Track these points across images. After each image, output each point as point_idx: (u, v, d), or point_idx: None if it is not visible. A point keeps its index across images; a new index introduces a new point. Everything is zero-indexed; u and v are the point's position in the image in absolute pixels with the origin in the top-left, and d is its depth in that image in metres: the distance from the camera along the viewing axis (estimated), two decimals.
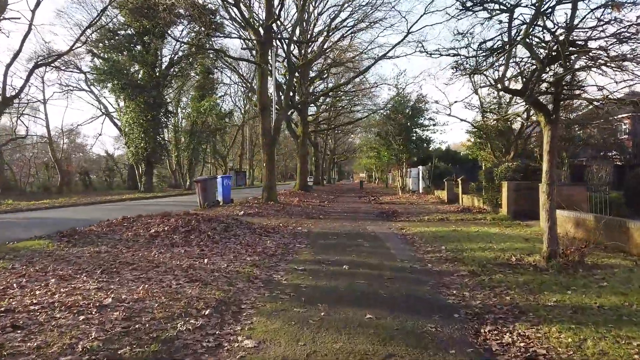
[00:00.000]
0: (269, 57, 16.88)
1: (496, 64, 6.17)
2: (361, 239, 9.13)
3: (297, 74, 28.64)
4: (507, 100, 19.23)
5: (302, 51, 27.86)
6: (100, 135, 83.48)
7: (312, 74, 30.54)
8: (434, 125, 26.97)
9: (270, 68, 17.41)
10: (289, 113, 37.04)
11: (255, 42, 17.30)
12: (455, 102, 19.16)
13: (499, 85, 6.02)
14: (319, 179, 49.42)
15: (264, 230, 9.52)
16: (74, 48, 22.41)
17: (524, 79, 6.16)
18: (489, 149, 20.71)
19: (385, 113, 28.08)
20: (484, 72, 6.39)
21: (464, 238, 8.86)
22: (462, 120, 52.95)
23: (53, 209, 16.85)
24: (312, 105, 38.49)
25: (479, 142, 21.89)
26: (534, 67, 5.95)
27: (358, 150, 58.23)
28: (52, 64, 22.12)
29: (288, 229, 10.55)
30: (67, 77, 36.75)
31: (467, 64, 6.45)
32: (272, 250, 7.53)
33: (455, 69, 6.49)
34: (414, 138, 27.18)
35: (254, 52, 21.50)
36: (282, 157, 74.44)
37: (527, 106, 10.74)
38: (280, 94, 20.17)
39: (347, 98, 33.47)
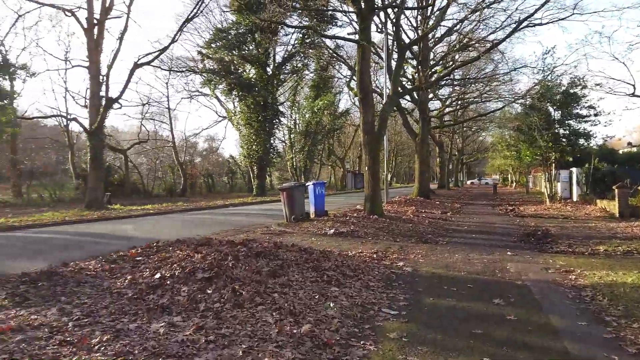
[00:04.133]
0: (371, 33, 13.50)
1: None
2: (500, 297, 5.30)
3: (412, 57, 24.75)
4: None
5: (418, 22, 23.86)
6: (224, 138, 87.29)
7: (432, 63, 26.30)
8: (596, 115, 20.95)
9: (374, 48, 13.97)
10: (410, 110, 33.14)
11: (355, 14, 14.02)
12: None
13: None
14: (444, 182, 44.39)
15: (339, 271, 6.18)
16: (169, 45, 21.36)
17: None
18: None
19: (527, 103, 22.72)
20: None
21: None
22: None
23: (141, 217, 15.52)
24: (435, 99, 34.03)
25: None
26: None
27: (490, 149, 51.53)
28: (152, 64, 21.09)
29: (382, 265, 7.07)
30: (187, 82, 37.41)
31: None
32: (332, 326, 4.19)
33: None
34: (567, 132, 21.43)
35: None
36: (405, 158, 70.18)
37: None
38: (388, 80, 16.60)
39: (478, 86, 28.41)
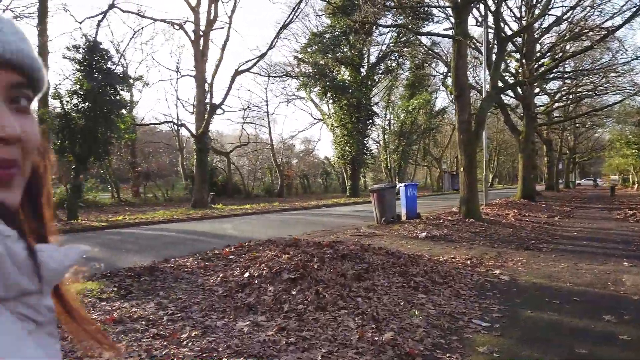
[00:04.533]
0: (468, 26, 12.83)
1: None
2: (611, 314, 4.70)
3: (515, 50, 23.16)
4: None
5: (521, 12, 22.22)
6: (319, 140, 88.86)
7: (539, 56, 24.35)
8: None
9: (472, 42, 13.27)
10: (513, 106, 31.06)
11: (451, 8, 13.44)
12: None
13: None
14: (552, 183, 40.97)
15: (428, 277, 5.93)
16: (267, 52, 22.20)
17: None
18: None
19: None
20: None
21: None
22: None
23: (240, 217, 16.35)
24: (542, 94, 31.53)
25: None
26: None
27: (607, 147, 46.55)
28: (251, 70, 22.10)
29: (476, 273, 6.66)
30: (284, 86, 38.81)
31: None
32: (417, 335, 4.01)
33: None
34: None
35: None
36: (509, 158, 65.96)
37: None
38: (488, 76, 15.65)
39: (592, 78, 25.77)
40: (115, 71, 14.73)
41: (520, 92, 23.56)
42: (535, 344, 3.96)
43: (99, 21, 15.72)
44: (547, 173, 39.59)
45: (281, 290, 4.90)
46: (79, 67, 14.03)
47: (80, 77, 13.84)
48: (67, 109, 13.97)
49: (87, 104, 13.76)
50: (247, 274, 5.36)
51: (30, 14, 18.03)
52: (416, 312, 4.59)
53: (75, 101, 13.97)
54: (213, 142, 32.65)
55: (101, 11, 17.49)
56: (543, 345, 3.93)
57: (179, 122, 27.62)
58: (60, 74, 32.09)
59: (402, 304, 4.83)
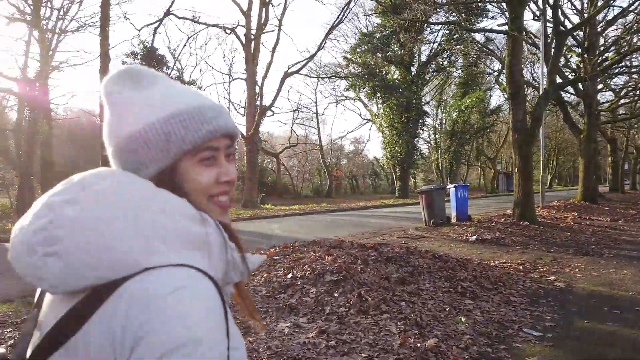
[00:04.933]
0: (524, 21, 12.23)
1: None
2: None
3: (576, 45, 21.97)
4: None
5: (583, 4, 20.99)
6: (368, 140, 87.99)
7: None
8: None
9: (529, 37, 12.72)
10: (574, 103, 29.44)
11: (504, 3, 12.92)
12: None
13: None
14: (617, 184, 38.51)
15: (476, 282, 5.71)
16: (316, 53, 22.29)
17: None
18: None
19: None
20: None
21: None
22: None
23: (287, 217, 16.54)
24: (606, 90, 29.70)
25: None
26: None
27: None
28: (300, 72, 22.28)
29: (528, 279, 6.35)
30: (333, 87, 38.74)
31: None
32: (462, 342, 3.86)
33: None
34: None
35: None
36: (569, 158, 62.66)
37: None
38: (544, 71, 14.90)
39: None
40: (170, 76, 15.31)
41: (582, 89, 22.30)
42: (591, 357, 3.72)
43: (155, 28, 16.39)
44: (611, 174, 37.22)
45: (323, 292, 4.89)
46: None
47: None
48: None
49: None
50: (290, 275, 5.39)
51: (94, 23, 19.14)
52: (462, 319, 4.43)
53: None
54: (263, 143, 33.23)
55: (158, 18, 18.24)
56: (599, 358, 3.68)
57: None
58: None
59: (447, 309, 4.68)
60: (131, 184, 0.72)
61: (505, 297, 5.36)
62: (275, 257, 6.38)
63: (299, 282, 5.16)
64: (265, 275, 5.53)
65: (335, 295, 4.82)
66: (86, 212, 0.66)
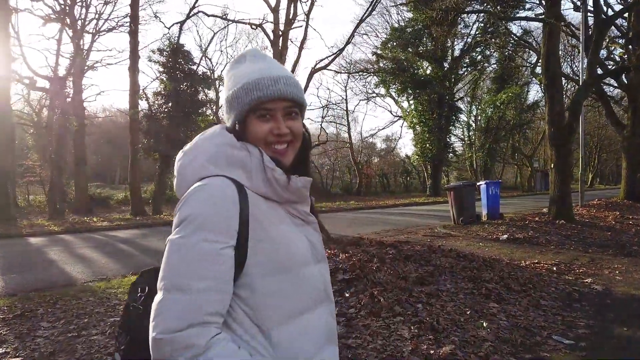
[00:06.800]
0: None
1: None
2: None
3: (620, 35, 20.75)
4: None
5: None
6: (400, 137, 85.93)
7: None
8: None
9: (568, 28, 11.99)
10: (618, 97, 27.97)
11: None
12: None
13: None
14: None
15: (503, 284, 5.27)
16: (344, 48, 21.87)
17: None
18: None
19: None
20: None
21: None
22: None
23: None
24: None
25: None
26: None
27: None
28: (328, 68, 21.93)
29: (562, 281, 5.85)
30: (364, 83, 38.07)
31: None
32: (481, 350, 3.48)
33: None
34: None
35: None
36: (612, 155, 59.84)
37: None
38: (582, 60, 14.04)
39: None
40: (196, 72, 15.31)
41: (625, 82, 21.06)
42: None
43: (181, 24, 16.40)
44: None
45: (334, 292, 4.57)
46: (163, 69, 14.75)
47: (164, 79, 14.54)
48: (154, 109, 14.76)
49: (169, 104, 14.42)
50: None
51: (126, 22, 19.43)
52: (484, 324, 4.04)
53: (159, 102, 14.71)
54: None
55: (186, 16, 18.31)
56: None
57: None
58: (148, 77, 34.49)
59: (468, 312, 4.29)
60: (212, 131, 1.12)
61: (534, 300, 4.91)
62: None
63: None
64: None
65: (347, 295, 4.51)
66: (184, 153, 1.11)
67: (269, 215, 1.03)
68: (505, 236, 9.23)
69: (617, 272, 6.46)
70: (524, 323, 4.20)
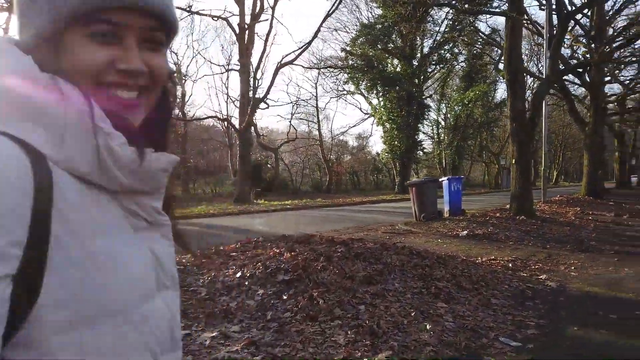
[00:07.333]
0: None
1: None
2: None
3: (584, 33, 21.12)
4: None
5: None
6: (370, 135, 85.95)
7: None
8: None
9: (533, 25, 11.97)
10: (581, 96, 28.58)
11: None
12: None
13: None
14: (624, 180, 37.50)
15: (454, 282, 5.02)
16: (311, 42, 21.61)
17: None
18: None
19: None
20: None
21: None
22: None
23: (278, 212, 15.91)
24: (614, 81, 28.71)
25: None
26: None
27: None
28: (295, 62, 21.63)
29: (516, 278, 5.66)
30: (334, 80, 37.74)
31: None
32: (420, 355, 3.19)
33: None
34: None
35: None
36: (576, 153, 61.51)
37: None
38: (546, 57, 14.09)
39: None
40: None
41: (587, 80, 21.45)
42: None
43: None
44: (618, 169, 36.21)
45: (272, 294, 4.22)
46: None
47: None
48: None
49: None
50: (239, 274, 4.72)
51: None
52: (427, 326, 3.76)
53: None
54: (262, 138, 32.56)
55: None
56: None
57: (224, 117, 27.68)
58: None
59: (413, 314, 4.00)
60: None
61: (485, 299, 4.68)
62: (232, 254, 5.73)
63: (247, 283, 4.51)
64: (213, 274, 4.87)
65: (284, 297, 4.16)
66: None
67: (88, 215, 0.58)
68: (465, 232, 9.07)
69: (573, 267, 6.33)
70: (472, 324, 3.95)
